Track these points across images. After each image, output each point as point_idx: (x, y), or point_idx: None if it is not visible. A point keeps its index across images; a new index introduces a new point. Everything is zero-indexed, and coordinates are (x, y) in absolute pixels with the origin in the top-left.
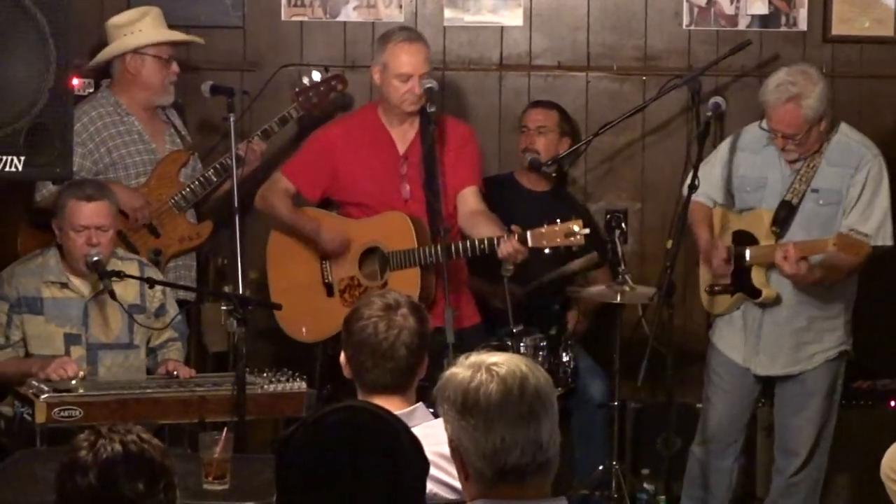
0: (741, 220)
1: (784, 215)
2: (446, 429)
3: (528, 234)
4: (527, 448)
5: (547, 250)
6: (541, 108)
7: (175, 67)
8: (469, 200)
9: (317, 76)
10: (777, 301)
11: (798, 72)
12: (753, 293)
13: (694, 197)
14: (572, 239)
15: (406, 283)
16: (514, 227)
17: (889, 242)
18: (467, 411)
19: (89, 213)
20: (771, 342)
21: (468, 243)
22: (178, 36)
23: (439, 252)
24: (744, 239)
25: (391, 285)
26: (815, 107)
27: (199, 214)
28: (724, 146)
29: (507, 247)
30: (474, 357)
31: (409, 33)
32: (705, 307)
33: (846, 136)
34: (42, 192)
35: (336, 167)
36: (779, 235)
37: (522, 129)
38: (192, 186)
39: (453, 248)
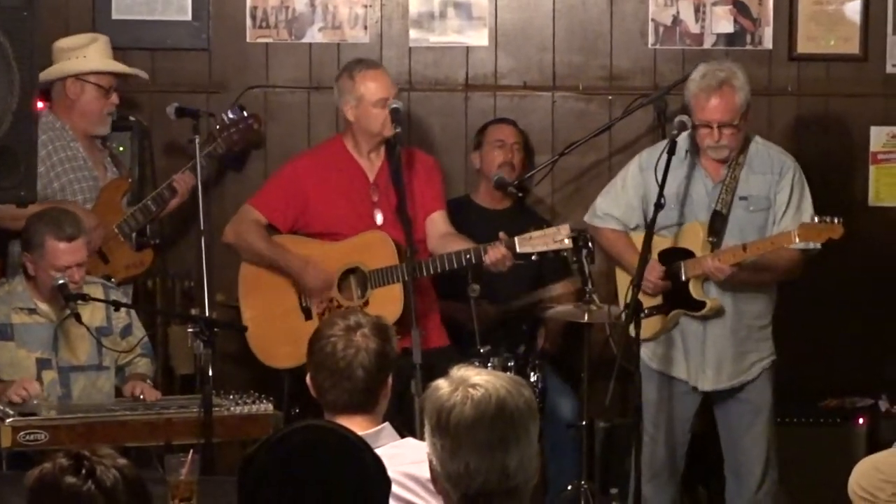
0: (670, 238)
1: (718, 226)
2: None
3: (517, 240)
4: (492, 475)
5: (534, 256)
6: (509, 125)
7: (114, 99)
8: (438, 224)
9: (233, 114)
10: (720, 312)
11: (718, 63)
12: (695, 306)
13: (602, 225)
14: (560, 243)
15: (388, 300)
16: (501, 235)
17: (818, 246)
18: (438, 432)
19: (70, 253)
20: (716, 355)
21: (453, 255)
22: (121, 68)
23: (423, 266)
24: (677, 255)
25: (373, 303)
26: (745, 90)
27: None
28: (633, 169)
29: (496, 253)
30: (464, 370)
31: (367, 62)
32: (632, 335)
33: (763, 146)
34: None
35: (307, 198)
36: (715, 245)
37: (497, 144)
38: (134, 214)
39: (438, 260)
